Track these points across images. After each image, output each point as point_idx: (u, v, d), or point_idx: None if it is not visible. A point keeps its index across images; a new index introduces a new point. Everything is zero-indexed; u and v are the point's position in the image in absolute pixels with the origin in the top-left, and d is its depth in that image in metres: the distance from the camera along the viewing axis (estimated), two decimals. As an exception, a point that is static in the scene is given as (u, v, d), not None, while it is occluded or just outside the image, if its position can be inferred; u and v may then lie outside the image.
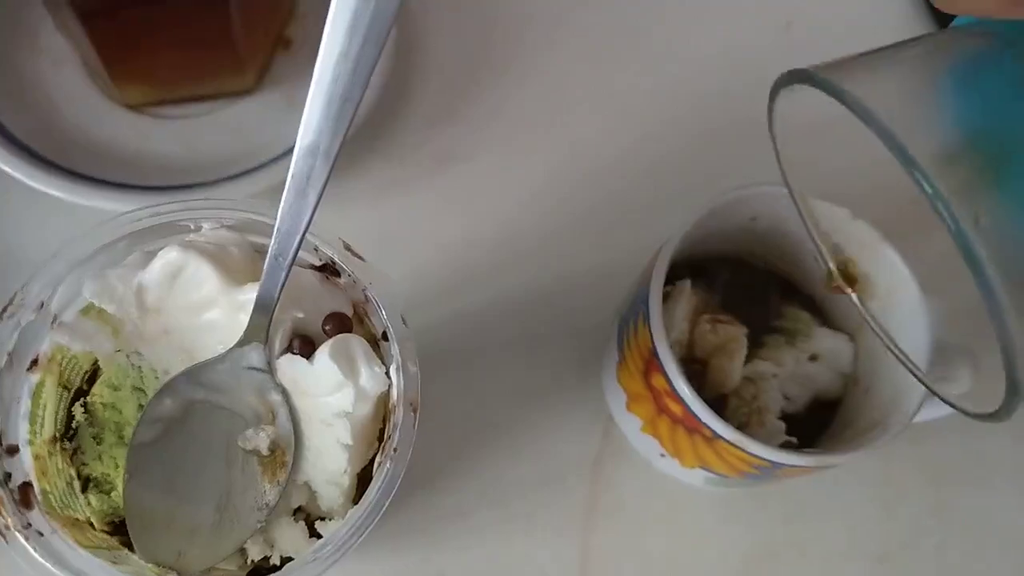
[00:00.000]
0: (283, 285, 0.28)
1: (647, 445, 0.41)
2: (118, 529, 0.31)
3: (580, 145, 0.49)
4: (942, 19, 0.56)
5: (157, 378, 0.31)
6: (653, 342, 0.36)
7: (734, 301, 0.42)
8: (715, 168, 0.45)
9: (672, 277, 0.39)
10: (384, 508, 0.27)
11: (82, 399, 0.31)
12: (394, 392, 0.29)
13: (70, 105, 0.45)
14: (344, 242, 0.30)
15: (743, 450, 0.35)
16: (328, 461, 0.30)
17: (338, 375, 0.29)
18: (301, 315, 0.29)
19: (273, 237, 0.27)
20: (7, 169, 0.41)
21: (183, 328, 0.30)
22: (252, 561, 0.31)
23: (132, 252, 0.30)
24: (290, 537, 0.31)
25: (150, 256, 0.30)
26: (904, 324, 0.37)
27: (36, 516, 0.27)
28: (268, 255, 0.27)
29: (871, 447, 0.35)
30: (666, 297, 0.40)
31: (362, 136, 0.46)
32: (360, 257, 0.30)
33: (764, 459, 0.35)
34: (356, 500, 0.30)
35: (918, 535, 0.44)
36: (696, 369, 0.41)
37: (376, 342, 0.30)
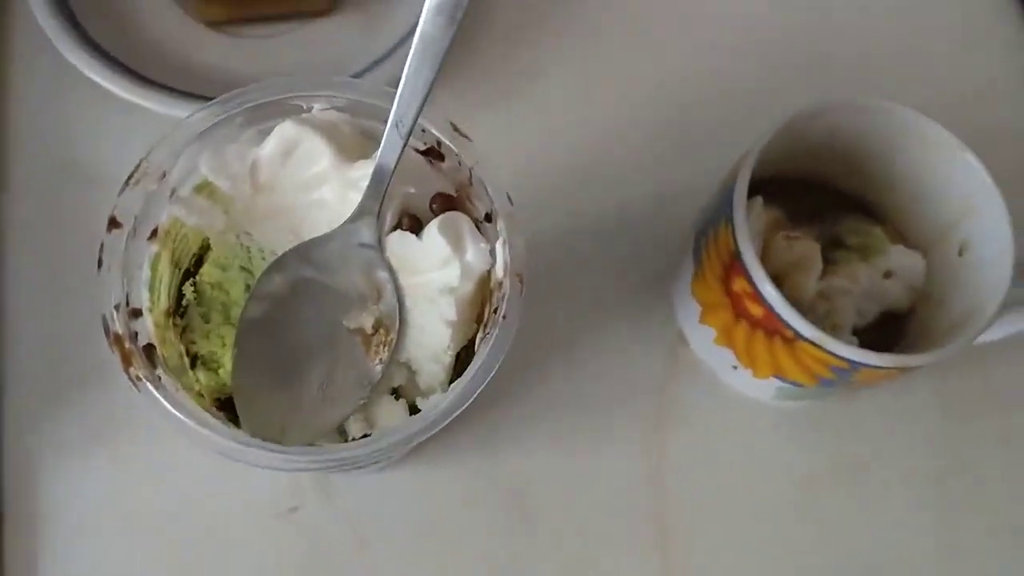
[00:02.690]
0: (401, 154, 0.28)
1: (720, 357, 0.42)
2: (224, 405, 0.32)
3: (658, 67, 0.50)
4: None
5: (264, 259, 0.32)
6: (737, 244, 0.36)
7: (808, 219, 0.43)
8: (790, 97, 0.46)
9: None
10: (489, 378, 0.28)
11: (191, 279, 0.32)
12: (498, 268, 0.30)
13: (155, 21, 0.46)
14: (452, 123, 0.30)
15: (824, 348, 0.35)
16: (431, 339, 0.31)
17: (446, 249, 0.30)
18: (412, 190, 0.30)
19: (395, 102, 0.28)
20: (98, 79, 0.42)
21: (293, 207, 0.31)
22: (353, 438, 0.32)
23: (248, 129, 0.31)
24: (390, 414, 0.32)
25: (264, 134, 0.31)
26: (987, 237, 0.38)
27: (161, 373, 0.28)
28: (388, 122, 0.28)
29: (947, 351, 0.36)
30: None
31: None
32: (467, 137, 0.30)
33: (844, 358, 0.35)
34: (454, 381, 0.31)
35: (978, 460, 0.45)
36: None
37: (479, 224, 0.31)
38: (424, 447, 0.43)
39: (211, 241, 0.32)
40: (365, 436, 0.32)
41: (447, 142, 0.30)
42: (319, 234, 0.31)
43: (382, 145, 0.28)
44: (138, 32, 0.46)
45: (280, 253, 0.32)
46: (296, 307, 0.31)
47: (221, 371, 0.32)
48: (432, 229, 0.30)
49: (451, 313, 0.30)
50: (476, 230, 0.31)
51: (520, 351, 0.44)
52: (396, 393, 0.33)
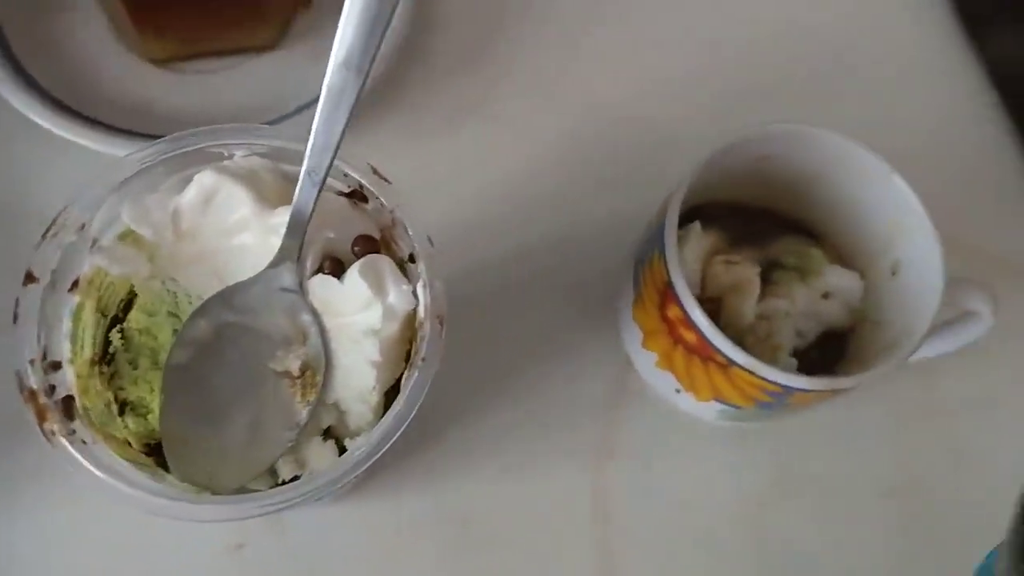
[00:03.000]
0: (316, 202, 0.29)
1: (663, 381, 0.42)
2: (153, 451, 0.32)
3: (595, 96, 0.51)
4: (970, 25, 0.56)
5: (191, 304, 0.32)
6: (668, 274, 0.37)
7: (746, 242, 0.43)
8: (729, 122, 0.46)
9: (683, 221, 0.41)
10: (410, 418, 0.28)
11: (118, 326, 0.32)
12: (421, 309, 0.30)
13: (97, 60, 0.46)
14: (371, 166, 0.31)
15: (756, 375, 0.36)
16: (357, 380, 0.31)
17: (367, 292, 0.30)
18: (332, 235, 0.30)
19: (307, 153, 0.28)
20: (37, 119, 0.42)
21: (216, 252, 0.31)
22: (283, 481, 0.32)
23: (169, 178, 0.31)
24: (320, 455, 0.32)
25: (186, 182, 0.31)
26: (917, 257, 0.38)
27: (79, 426, 0.28)
28: (302, 171, 0.28)
29: (877, 372, 0.36)
30: (678, 240, 0.41)
31: (379, 87, 0.47)
32: (386, 180, 0.31)
33: (776, 383, 0.36)
34: (383, 419, 0.31)
35: (925, 472, 0.45)
36: (711, 309, 0.41)
37: (403, 265, 0.32)
38: (372, 478, 0.43)
39: (137, 288, 0.32)
40: (295, 478, 0.32)
41: (367, 185, 0.31)
42: (243, 279, 0.31)
43: (296, 194, 0.29)
44: (80, 70, 0.46)
45: (207, 297, 0.32)
46: (222, 351, 0.32)
47: (150, 416, 0.32)
48: (353, 272, 0.30)
49: (375, 354, 0.31)
50: (399, 272, 0.31)
51: (467, 378, 0.45)
52: (327, 434, 0.33)
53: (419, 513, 0.43)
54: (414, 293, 0.31)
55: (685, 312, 0.36)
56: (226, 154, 0.31)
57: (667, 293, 0.37)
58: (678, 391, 0.41)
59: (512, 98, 0.50)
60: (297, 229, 0.29)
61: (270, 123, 0.43)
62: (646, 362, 0.42)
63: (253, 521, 0.41)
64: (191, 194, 0.30)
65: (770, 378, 0.36)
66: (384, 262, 0.30)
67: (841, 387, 0.36)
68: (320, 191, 0.29)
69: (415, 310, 0.31)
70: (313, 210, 0.29)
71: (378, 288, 0.30)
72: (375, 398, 0.31)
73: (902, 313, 0.39)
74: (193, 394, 0.31)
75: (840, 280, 0.42)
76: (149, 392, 0.32)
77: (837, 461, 0.45)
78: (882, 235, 0.41)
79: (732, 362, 0.36)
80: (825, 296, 0.42)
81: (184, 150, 0.30)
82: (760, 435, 0.45)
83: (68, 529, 0.40)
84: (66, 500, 0.40)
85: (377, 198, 0.31)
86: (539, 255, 0.47)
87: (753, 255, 0.43)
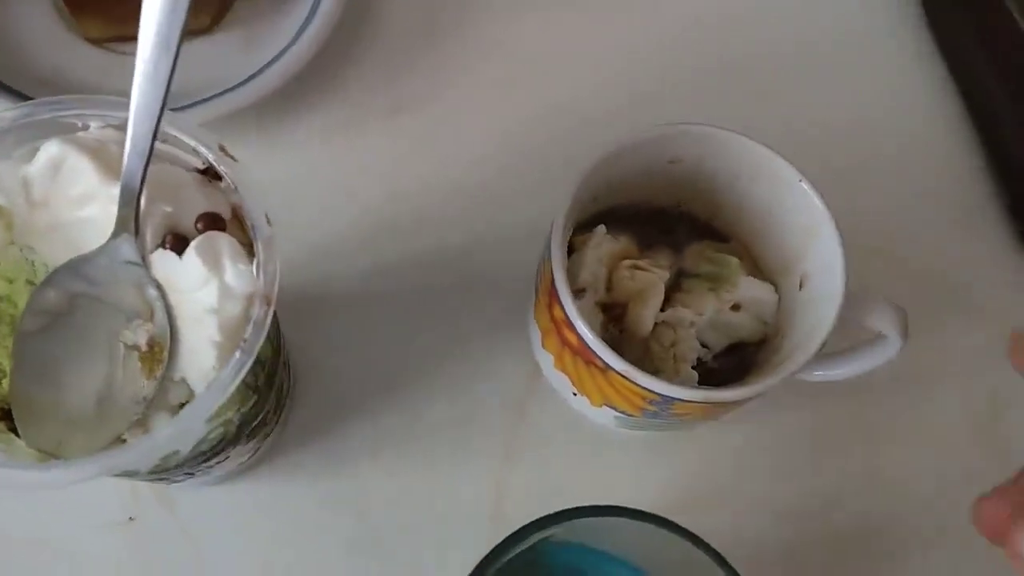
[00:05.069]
0: (144, 173, 0.29)
1: (561, 383, 0.41)
2: (6, 415, 0.32)
3: (520, 104, 0.51)
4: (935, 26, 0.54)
5: (48, 272, 0.33)
6: (552, 271, 0.36)
7: (664, 247, 0.42)
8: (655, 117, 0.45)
9: (593, 223, 0.40)
10: (227, 393, 0.28)
11: (-20, 292, 0.33)
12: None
13: (33, 35, 0.47)
14: (220, 144, 0.31)
15: (633, 382, 0.34)
16: (201, 359, 0.31)
17: (203, 270, 0.30)
18: (170, 209, 0.30)
19: (129, 124, 0.28)
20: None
21: (68, 223, 0.32)
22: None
23: (22, 147, 0.31)
24: (164, 431, 0.32)
25: (37, 151, 0.31)
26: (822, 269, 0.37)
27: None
28: (127, 144, 0.28)
29: (758, 386, 0.34)
30: (583, 243, 0.40)
31: (313, 74, 0.47)
32: (233, 158, 0.30)
33: (652, 391, 0.34)
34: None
35: (810, 495, 0.44)
36: (618, 314, 0.40)
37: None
38: (269, 459, 0.43)
39: (-4, 255, 0.32)
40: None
41: (213, 163, 0.30)
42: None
43: (124, 164, 0.29)
44: (16, 46, 0.47)
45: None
46: (74, 322, 0.32)
47: (5, 382, 0.32)
48: (191, 250, 0.30)
49: (216, 334, 0.30)
50: (240, 250, 0.30)
51: (379, 373, 0.44)
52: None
53: (313, 500, 0.43)
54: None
55: (565, 312, 0.35)
56: (80, 125, 0.31)
57: (552, 291, 0.36)
58: (575, 394, 0.40)
59: (440, 97, 0.50)
60: (129, 200, 0.29)
61: (182, 108, 0.43)
62: (546, 363, 0.41)
63: (144, 495, 0.42)
64: (39, 163, 0.31)
65: (645, 385, 0.34)
66: (223, 240, 0.30)
67: (721, 400, 0.35)
68: (147, 163, 0.28)
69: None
70: (142, 182, 0.29)
71: (214, 266, 0.30)
72: (216, 377, 0.31)
73: (801, 327, 0.37)
74: (44, 362, 0.32)
75: (754, 292, 0.40)
76: (7, 358, 0.33)
77: (743, 479, 0.43)
78: (795, 246, 0.39)
79: (608, 366, 0.35)
80: (736, 308, 0.40)
81: (37, 118, 0.31)
82: (670, 447, 0.44)
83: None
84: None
85: (224, 179, 0.31)
86: (460, 255, 0.46)
87: (667, 261, 0.41)
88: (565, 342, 0.37)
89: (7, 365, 0.32)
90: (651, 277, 0.40)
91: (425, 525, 0.42)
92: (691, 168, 0.40)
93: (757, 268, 0.41)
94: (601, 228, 0.40)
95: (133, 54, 0.47)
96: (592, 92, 0.50)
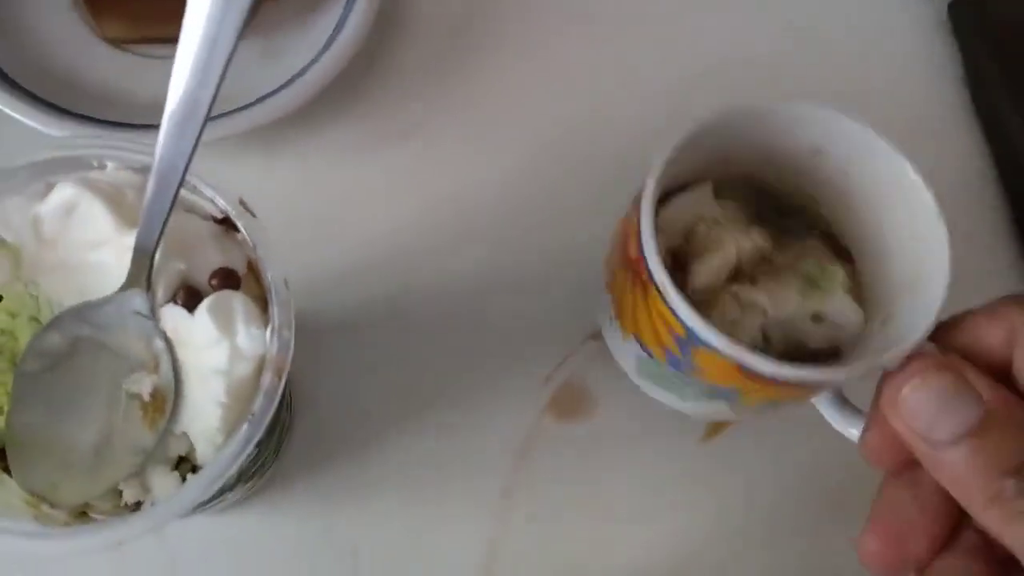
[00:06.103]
0: (162, 231, 0.27)
1: (604, 304, 0.39)
2: (2, 454, 0.31)
3: (547, 134, 0.49)
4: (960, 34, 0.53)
5: (52, 311, 0.31)
6: (642, 191, 0.33)
7: (765, 225, 0.39)
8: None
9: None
10: (233, 470, 0.27)
11: (-20, 325, 0.32)
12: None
13: (52, 36, 0.45)
14: (240, 199, 0.29)
15: (664, 300, 0.32)
16: (206, 417, 0.30)
17: (214, 331, 0.28)
18: (184, 267, 0.29)
19: (151, 179, 0.26)
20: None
21: (77, 265, 0.30)
22: (127, 504, 0.31)
23: (34, 183, 0.30)
24: (164, 485, 0.31)
25: (51, 188, 0.30)
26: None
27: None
28: (146, 197, 0.27)
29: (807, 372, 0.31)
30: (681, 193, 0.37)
31: (329, 100, 0.46)
32: (252, 213, 0.29)
33: (679, 321, 0.32)
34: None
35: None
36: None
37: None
38: (262, 493, 0.42)
39: (0, 289, 0.31)
40: (139, 503, 0.31)
41: (232, 218, 0.29)
42: (101, 294, 0.30)
43: (142, 219, 0.27)
44: (34, 46, 0.45)
45: (67, 307, 0.31)
46: (76, 365, 0.31)
47: (1, 420, 0.31)
48: (203, 308, 0.29)
49: (222, 395, 0.29)
50: (254, 311, 0.29)
51: (380, 408, 0.43)
52: (185, 462, 0.32)
53: (307, 536, 0.42)
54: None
55: (639, 222, 0.33)
56: (96, 163, 0.30)
57: (636, 208, 0.34)
58: (611, 319, 0.38)
59: (458, 127, 0.49)
60: (144, 256, 0.28)
61: (216, 116, 0.42)
62: (604, 303, 0.39)
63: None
64: (52, 204, 0.29)
65: (674, 306, 0.31)
66: (238, 300, 0.29)
67: (752, 365, 0.31)
68: (166, 221, 0.27)
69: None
70: (159, 239, 0.28)
71: (226, 327, 0.29)
72: (221, 439, 0.30)
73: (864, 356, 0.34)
74: (43, 403, 0.31)
75: (844, 312, 0.37)
76: (4, 394, 0.32)
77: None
78: (905, 275, 0.36)
79: (650, 276, 0.32)
80: (816, 319, 0.37)
81: (52, 156, 0.29)
82: (664, 513, 0.43)
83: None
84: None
85: (242, 232, 0.29)
86: (464, 293, 0.45)
87: (765, 240, 0.38)
88: (625, 256, 0.34)
89: (4, 403, 0.31)
90: (724, 235, 0.37)
91: (417, 567, 0.42)
92: (836, 167, 0.37)
93: (857, 287, 0.38)
94: (709, 184, 0.38)
95: (153, 56, 0.46)
96: (604, 125, 0.49)
